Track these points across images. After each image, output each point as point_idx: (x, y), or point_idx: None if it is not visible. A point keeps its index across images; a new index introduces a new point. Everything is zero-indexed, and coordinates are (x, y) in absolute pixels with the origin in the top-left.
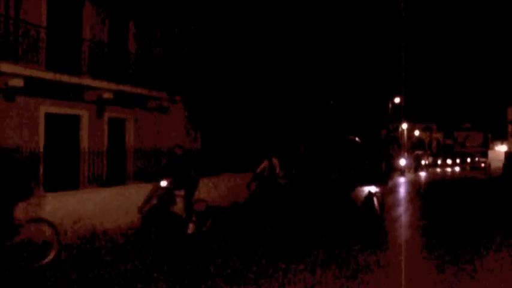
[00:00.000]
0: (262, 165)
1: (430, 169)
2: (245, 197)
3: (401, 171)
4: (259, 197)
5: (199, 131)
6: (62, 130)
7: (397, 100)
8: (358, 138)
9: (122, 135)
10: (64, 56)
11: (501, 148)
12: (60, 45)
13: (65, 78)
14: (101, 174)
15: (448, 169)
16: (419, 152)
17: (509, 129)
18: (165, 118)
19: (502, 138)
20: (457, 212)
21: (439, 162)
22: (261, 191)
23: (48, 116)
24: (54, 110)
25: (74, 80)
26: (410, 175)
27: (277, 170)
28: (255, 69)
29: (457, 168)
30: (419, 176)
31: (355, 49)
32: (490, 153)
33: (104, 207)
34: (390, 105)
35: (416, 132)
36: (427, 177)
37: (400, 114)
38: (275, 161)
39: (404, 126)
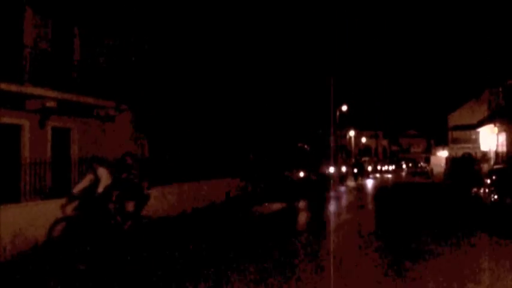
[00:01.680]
0: (83, 181)
1: (375, 175)
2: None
3: (343, 179)
4: (74, 229)
5: (147, 140)
6: (0, 140)
7: (344, 108)
8: (307, 145)
9: (67, 145)
10: (3, 63)
11: (442, 154)
12: None
13: (3, 86)
14: (44, 186)
15: (393, 175)
16: (366, 159)
17: (450, 136)
18: (112, 127)
19: (444, 144)
20: (398, 221)
21: (385, 168)
22: (81, 220)
23: None
24: None
25: (14, 88)
26: (353, 183)
27: (102, 187)
28: (204, 77)
29: (402, 174)
30: (364, 183)
31: (303, 58)
32: (433, 159)
33: (47, 220)
34: (338, 113)
35: (363, 139)
36: (373, 184)
37: (348, 121)
38: (102, 172)
39: (352, 133)
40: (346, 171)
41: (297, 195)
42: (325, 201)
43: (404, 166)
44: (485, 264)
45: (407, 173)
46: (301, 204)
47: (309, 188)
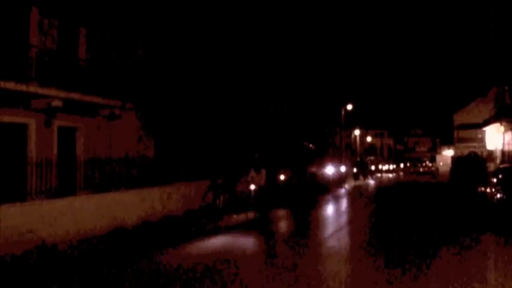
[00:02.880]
0: None
1: (378, 174)
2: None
3: (342, 180)
4: None
5: (153, 139)
6: (7, 139)
7: (349, 107)
8: (312, 144)
9: (73, 144)
10: (10, 62)
11: (448, 153)
12: (5, 51)
13: (10, 85)
14: (50, 185)
15: (397, 174)
16: (371, 158)
17: (455, 135)
18: (117, 126)
19: (449, 143)
20: (402, 236)
21: (388, 167)
22: None
23: None
24: None
25: (20, 87)
26: (353, 184)
27: None
28: (210, 76)
29: (406, 173)
30: (366, 184)
31: (308, 58)
32: (438, 158)
33: (53, 219)
34: (343, 112)
35: (369, 138)
36: (374, 185)
37: (353, 120)
38: None
39: (357, 132)
40: (346, 172)
41: (274, 203)
42: (311, 211)
43: (402, 166)
44: (491, 262)
45: (412, 173)
46: (275, 215)
47: (293, 193)
